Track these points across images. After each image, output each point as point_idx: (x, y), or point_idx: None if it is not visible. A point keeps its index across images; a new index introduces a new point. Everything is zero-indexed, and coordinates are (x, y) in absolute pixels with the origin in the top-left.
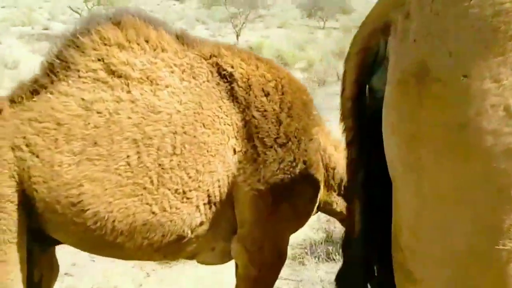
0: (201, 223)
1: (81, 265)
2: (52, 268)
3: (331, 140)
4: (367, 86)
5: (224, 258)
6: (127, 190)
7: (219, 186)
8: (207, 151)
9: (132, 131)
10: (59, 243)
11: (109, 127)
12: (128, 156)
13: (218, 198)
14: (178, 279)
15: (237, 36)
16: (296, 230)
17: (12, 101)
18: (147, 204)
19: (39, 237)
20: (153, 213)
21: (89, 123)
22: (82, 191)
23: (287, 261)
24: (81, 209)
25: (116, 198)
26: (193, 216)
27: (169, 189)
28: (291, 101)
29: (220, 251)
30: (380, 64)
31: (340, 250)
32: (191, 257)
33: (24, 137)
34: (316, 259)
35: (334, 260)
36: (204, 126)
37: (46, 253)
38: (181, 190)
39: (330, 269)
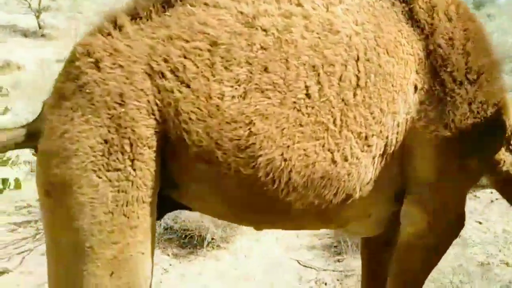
0: (369, 181)
1: None
2: None
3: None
4: None
5: (378, 227)
6: (308, 131)
7: (397, 133)
8: (392, 85)
9: (309, 54)
10: (170, 210)
11: (281, 48)
12: (307, 87)
13: (392, 148)
14: (200, 274)
15: None
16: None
17: (135, 16)
18: (329, 150)
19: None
20: (334, 162)
21: (254, 44)
22: (253, 131)
23: (319, 252)
24: (251, 156)
25: (295, 141)
26: (367, 170)
27: (352, 133)
28: (475, 31)
29: (376, 218)
30: None
31: None
32: (342, 225)
33: (166, 60)
34: (350, 248)
35: None
36: (387, 53)
37: None
38: (364, 135)
39: None
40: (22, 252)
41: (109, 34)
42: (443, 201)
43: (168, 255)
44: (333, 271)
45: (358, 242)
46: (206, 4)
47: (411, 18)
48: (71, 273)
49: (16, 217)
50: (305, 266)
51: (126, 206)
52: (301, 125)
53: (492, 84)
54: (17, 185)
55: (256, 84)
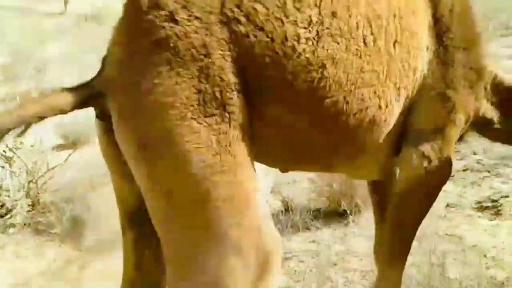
0: (390, 128)
1: None
2: None
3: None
4: None
5: (381, 173)
6: (366, 78)
7: (413, 87)
8: (417, 43)
9: (363, 6)
10: None
11: None
12: (364, 36)
13: (408, 101)
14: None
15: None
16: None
17: None
18: (378, 97)
19: None
20: (380, 108)
21: None
22: (325, 74)
23: None
24: (321, 97)
25: (356, 86)
26: (393, 118)
27: (392, 83)
28: (469, 6)
29: (382, 164)
30: None
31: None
32: (359, 168)
33: (239, 6)
34: (282, 230)
35: (303, 230)
36: (413, 14)
37: None
38: (397, 86)
39: (304, 239)
40: None
41: None
42: (438, 148)
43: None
44: None
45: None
46: None
47: None
48: (189, 220)
49: None
50: None
51: (230, 146)
52: (362, 72)
53: (478, 51)
54: None
55: (327, 28)
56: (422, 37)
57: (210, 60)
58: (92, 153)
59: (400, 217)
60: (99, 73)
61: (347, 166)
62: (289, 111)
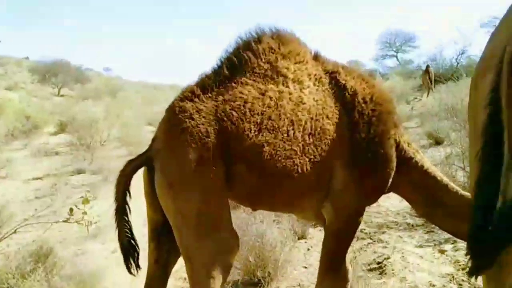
0: (313, 187)
1: None
2: None
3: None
4: None
5: (316, 217)
6: (288, 153)
7: (326, 162)
8: (329, 136)
9: (290, 114)
10: None
11: (277, 108)
12: (288, 131)
13: (324, 170)
14: None
15: None
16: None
17: (204, 89)
18: (296, 166)
19: None
20: (298, 172)
21: (264, 104)
22: (265, 150)
23: None
24: (263, 161)
25: (282, 158)
26: (311, 180)
27: (308, 158)
28: (380, 110)
29: (316, 211)
30: None
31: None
32: (298, 212)
33: (224, 112)
34: None
35: None
36: (328, 117)
37: None
38: (312, 160)
39: None
40: None
41: (192, 99)
42: (345, 201)
43: None
44: None
45: None
46: (241, 83)
47: (343, 100)
48: (196, 229)
49: None
50: None
51: (218, 189)
52: (285, 150)
53: (382, 142)
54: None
55: (265, 126)
56: (336, 130)
57: (209, 139)
58: (14, 242)
59: (328, 245)
60: (151, 146)
61: (289, 208)
62: (246, 169)
